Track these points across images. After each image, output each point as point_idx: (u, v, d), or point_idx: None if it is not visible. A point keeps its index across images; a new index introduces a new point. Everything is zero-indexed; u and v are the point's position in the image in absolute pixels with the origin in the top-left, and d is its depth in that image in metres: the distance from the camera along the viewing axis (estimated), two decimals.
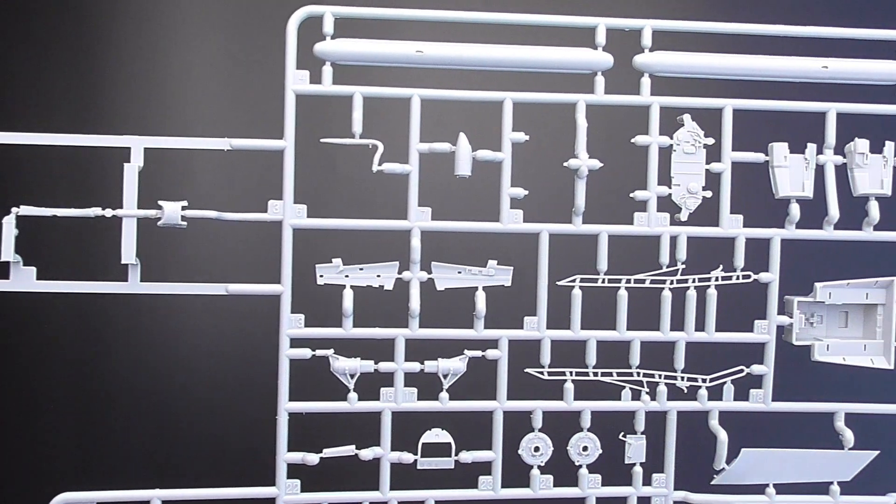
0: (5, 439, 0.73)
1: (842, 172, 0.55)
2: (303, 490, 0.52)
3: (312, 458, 0.52)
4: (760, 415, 0.56)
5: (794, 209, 0.55)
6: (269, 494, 0.52)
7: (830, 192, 0.55)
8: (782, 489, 0.56)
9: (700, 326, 0.55)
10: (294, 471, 0.52)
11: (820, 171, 0.55)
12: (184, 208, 0.50)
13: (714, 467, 0.55)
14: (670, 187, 0.54)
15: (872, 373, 0.56)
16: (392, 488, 0.53)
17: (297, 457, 0.52)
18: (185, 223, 0.50)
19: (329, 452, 0.52)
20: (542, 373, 0.54)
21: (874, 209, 0.55)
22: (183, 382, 0.77)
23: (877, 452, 0.55)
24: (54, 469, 0.74)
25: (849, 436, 0.55)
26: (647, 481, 0.56)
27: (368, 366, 0.53)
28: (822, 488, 0.56)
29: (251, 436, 0.55)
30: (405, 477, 0.54)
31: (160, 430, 0.77)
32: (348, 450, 0.53)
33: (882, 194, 0.55)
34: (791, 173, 0.55)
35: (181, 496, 0.51)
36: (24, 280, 0.50)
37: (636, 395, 0.55)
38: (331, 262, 0.53)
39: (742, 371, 0.55)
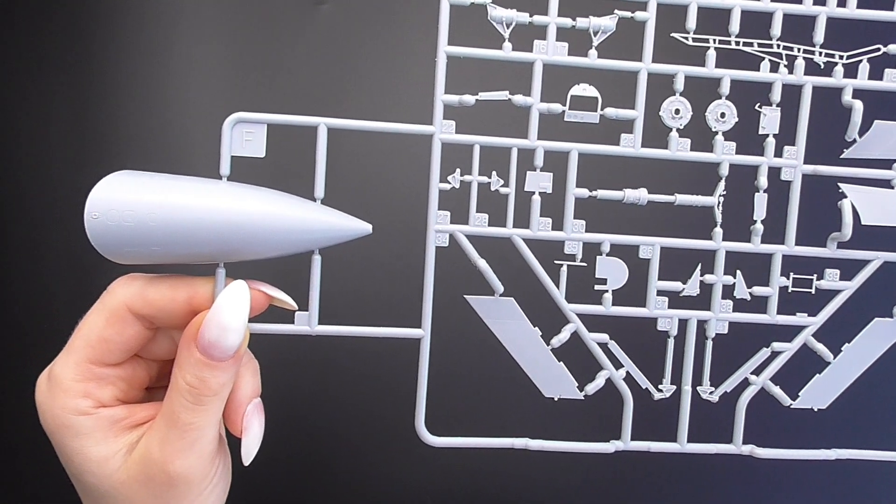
0: None
1: None
2: (457, 132, 0.56)
3: (469, 99, 0.55)
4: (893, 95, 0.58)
5: None
6: (427, 131, 0.55)
7: None
8: None
9: (842, 2, 0.57)
10: (450, 113, 0.55)
11: None
12: None
13: (846, 138, 0.57)
14: None
15: None
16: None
17: (455, 99, 0.55)
18: None
19: (484, 95, 0.55)
20: (686, 38, 0.57)
21: None
22: None
23: None
24: None
25: None
26: (778, 153, 0.58)
27: (524, 17, 0.55)
28: None
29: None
30: (549, 134, 0.57)
31: None
32: (502, 94, 0.55)
33: None
34: None
35: (345, 125, 0.54)
36: None
37: (774, 68, 0.57)
38: None
39: (879, 50, 0.57)
